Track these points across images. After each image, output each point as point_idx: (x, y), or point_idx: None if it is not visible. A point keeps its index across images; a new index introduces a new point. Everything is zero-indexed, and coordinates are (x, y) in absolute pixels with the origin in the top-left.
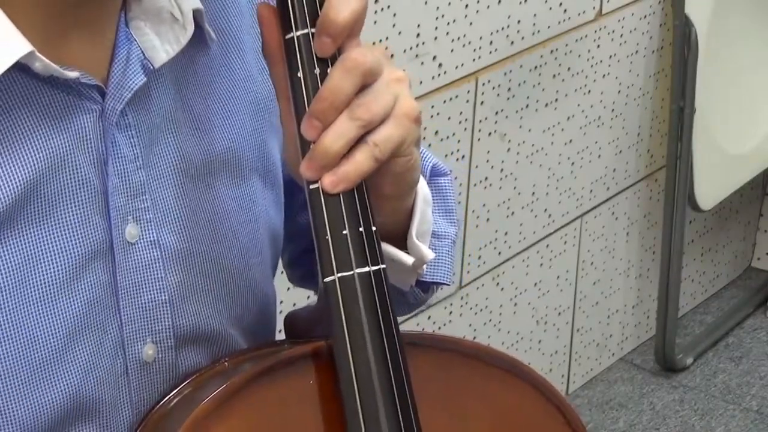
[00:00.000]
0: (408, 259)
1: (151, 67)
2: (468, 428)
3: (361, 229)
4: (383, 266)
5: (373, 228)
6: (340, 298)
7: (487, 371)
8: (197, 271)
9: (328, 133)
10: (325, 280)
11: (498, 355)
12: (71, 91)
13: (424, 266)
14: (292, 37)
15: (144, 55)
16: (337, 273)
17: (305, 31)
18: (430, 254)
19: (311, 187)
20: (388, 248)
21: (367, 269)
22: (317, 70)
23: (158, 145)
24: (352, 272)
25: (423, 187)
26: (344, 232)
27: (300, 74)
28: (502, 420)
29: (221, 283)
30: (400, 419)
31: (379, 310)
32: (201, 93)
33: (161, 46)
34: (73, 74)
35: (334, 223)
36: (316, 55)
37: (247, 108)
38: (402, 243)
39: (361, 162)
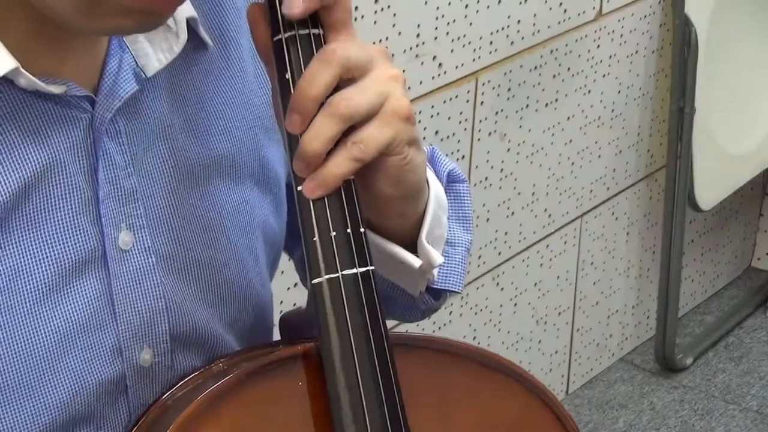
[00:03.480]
0: (415, 261)
1: (144, 76)
2: (458, 429)
3: (348, 230)
4: (371, 268)
5: (362, 229)
6: (327, 299)
7: (478, 372)
8: (193, 276)
9: (308, 131)
10: (312, 281)
11: (490, 356)
12: (60, 101)
13: (435, 272)
14: (280, 39)
15: (137, 63)
16: (325, 275)
17: (292, 33)
18: (439, 258)
19: (298, 188)
20: (395, 249)
21: (354, 271)
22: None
23: (151, 151)
24: (338, 274)
25: (438, 192)
26: (332, 233)
27: (288, 75)
28: (492, 421)
29: (217, 287)
30: (388, 420)
31: (366, 312)
32: (197, 98)
33: (154, 54)
34: (58, 90)
35: (322, 225)
36: (302, 55)
37: (244, 112)
38: (415, 248)
39: (338, 164)
